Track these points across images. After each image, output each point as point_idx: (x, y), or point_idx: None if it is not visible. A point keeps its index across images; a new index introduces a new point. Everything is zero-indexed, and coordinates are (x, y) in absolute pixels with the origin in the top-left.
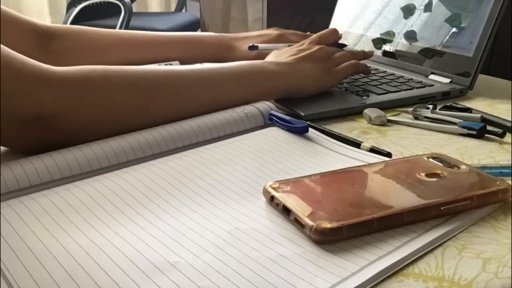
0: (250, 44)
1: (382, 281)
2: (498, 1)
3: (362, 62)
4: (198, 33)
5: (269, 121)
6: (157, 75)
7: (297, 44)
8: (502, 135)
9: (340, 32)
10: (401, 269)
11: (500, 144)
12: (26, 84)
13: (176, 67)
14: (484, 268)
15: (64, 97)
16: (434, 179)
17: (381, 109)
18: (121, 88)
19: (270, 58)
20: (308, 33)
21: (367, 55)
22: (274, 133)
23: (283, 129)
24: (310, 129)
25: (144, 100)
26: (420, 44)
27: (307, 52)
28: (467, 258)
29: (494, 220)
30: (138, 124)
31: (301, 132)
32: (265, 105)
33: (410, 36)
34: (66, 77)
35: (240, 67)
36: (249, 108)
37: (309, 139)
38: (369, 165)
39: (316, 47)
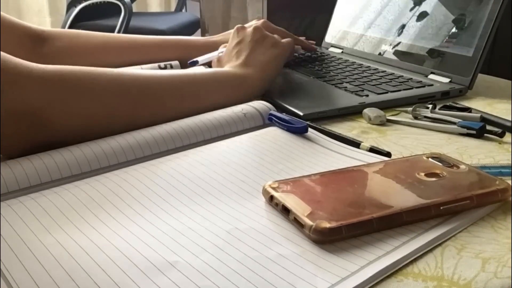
0: (190, 61)
1: (382, 280)
2: (497, 1)
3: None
4: (190, 37)
5: (269, 121)
6: (143, 78)
7: (231, 40)
8: (501, 135)
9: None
10: (400, 269)
11: (500, 143)
12: (10, 81)
13: (160, 71)
14: (484, 268)
15: (48, 93)
16: (434, 179)
17: (381, 108)
18: (108, 87)
19: (221, 65)
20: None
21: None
22: (273, 133)
23: (283, 129)
24: (309, 129)
25: (131, 100)
26: (420, 44)
27: (249, 40)
28: (466, 258)
29: (493, 220)
30: (128, 124)
31: (300, 132)
32: (264, 106)
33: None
34: (50, 74)
35: (215, 74)
36: (247, 109)
37: (308, 139)
38: (369, 165)
39: (251, 30)
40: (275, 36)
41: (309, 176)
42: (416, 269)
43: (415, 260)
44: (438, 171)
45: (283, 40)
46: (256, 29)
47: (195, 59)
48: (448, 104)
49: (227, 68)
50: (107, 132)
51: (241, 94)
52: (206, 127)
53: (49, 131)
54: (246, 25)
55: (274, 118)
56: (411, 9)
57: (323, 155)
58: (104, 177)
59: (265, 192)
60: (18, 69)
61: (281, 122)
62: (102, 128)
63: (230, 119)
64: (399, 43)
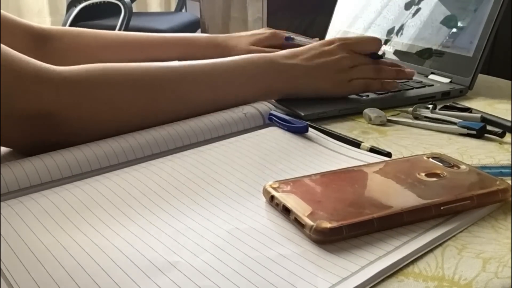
0: (287, 35)
1: (382, 280)
2: (498, 1)
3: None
4: (193, 34)
5: (269, 121)
6: (158, 72)
7: (323, 43)
8: (502, 135)
9: (381, 42)
10: (401, 269)
11: (500, 144)
12: (28, 83)
13: (176, 63)
14: (484, 268)
15: (66, 96)
16: (434, 179)
17: (381, 109)
18: (122, 85)
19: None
20: (317, 38)
21: (406, 74)
22: (274, 133)
23: (283, 129)
24: (310, 129)
25: (145, 98)
26: (420, 44)
27: (331, 58)
28: (467, 258)
29: (494, 220)
30: (139, 123)
31: (301, 132)
32: (264, 106)
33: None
34: (67, 76)
35: (244, 60)
36: (248, 109)
37: (309, 139)
38: (369, 165)
39: (342, 55)
40: (356, 75)
41: (309, 176)
42: (416, 269)
43: (416, 260)
44: (438, 171)
45: (354, 82)
46: (350, 57)
47: (291, 35)
48: (448, 104)
49: (273, 54)
50: (118, 132)
51: (266, 83)
52: (206, 127)
53: (62, 133)
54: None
55: (274, 118)
56: (411, 9)
57: (324, 155)
58: (104, 177)
59: (265, 192)
60: (37, 70)
61: (281, 122)
62: (113, 129)
63: (231, 119)
64: (399, 43)
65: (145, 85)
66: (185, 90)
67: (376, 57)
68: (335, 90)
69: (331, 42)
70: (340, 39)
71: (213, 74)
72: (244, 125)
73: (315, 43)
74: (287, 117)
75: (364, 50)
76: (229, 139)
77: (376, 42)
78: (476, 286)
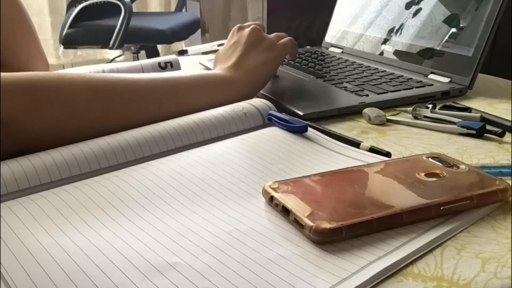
0: (179, 50)
1: (382, 281)
2: (497, 1)
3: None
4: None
5: (268, 121)
6: (114, 81)
7: (228, 39)
8: (501, 135)
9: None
10: (400, 269)
11: (500, 143)
12: None
13: (133, 75)
14: (483, 268)
15: (20, 102)
16: (434, 179)
17: (381, 108)
18: (79, 88)
19: (217, 64)
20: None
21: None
22: (273, 133)
23: (282, 128)
24: (309, 128)
25: (102, 102)
26: (420, 44)
27: (244, 41)
28: (466, 258)
29: (493, 220)
30: (100, 128)
31: (300, 131)
32: (264, 104)
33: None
34: (20, 82)
35: (198, 77)
36: (248, 108)
37: (308, 138)
38: (369, 165)
39: (248, 31)
40: (272, 38)
41: (309, 176)
42: (416, 269)
43: (415, 260)
44: (438, 171)
45: (279, 42)
46: (253, 30)
47: (185, 49)
48: (448, 104)
49: (217, 70)
50: (79, 137)
51: (227, 98)
52: (205, 126)
53: (22, 140)
54: (245, 24)
55: (273, 118)
56: (411, 9)
57: (323, 155)
58: (103, 178)
59: (265, 192)
60: None
61: (280, 122)
62: (73, 134)
63: (230, 118)
64: (399, 42)
65: (100, 90)
66: (140, 99)
67: None
68: (274, 58)
69: (232, 35)
70: (235, 29)
71: (174, 88)
72: (244, 125)
73: (222, 41)
74: (286, 117)
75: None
76: (228, 139)
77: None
78: (475, 286)
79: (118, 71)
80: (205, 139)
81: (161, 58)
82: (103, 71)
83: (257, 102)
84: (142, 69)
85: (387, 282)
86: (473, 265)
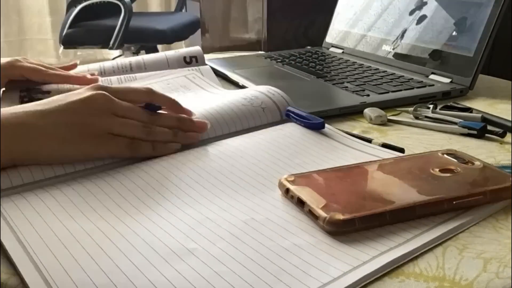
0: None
1: (383, 281)
2: (498, 2)
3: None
4: None
5: (286, 116)
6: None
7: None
8: (502, 135)
9: (154, 92)
10: (402, 269)
11: (501, 144)
12: None
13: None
14: (485, 268)
15: None
16: (448, 174)
17: (382, 108)
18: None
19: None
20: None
21: (193, 127)
22: (291, 128)
23: (300, 125)
24: (326, 125)
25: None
26: (421, 45)
27: (78, 98)
28: (468, 258)
29: (495, 220)
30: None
31: (317, 128)
32: (283, 99)
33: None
34: None
35: None
36: (266, 102)
37: (325, 135)
38: (383, 160)
39: (94, 92)
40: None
41: (324, 170)
42: (417, 269)
43: (417, 260)
44: (452, 167)
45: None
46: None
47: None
48: (449, 104)
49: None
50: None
51: None
52: (224, 122)
53: None
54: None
55: (291, 114)
56: (412, 12)
57: (339, 150)
58: (127, 169)
59: (281, 185)
60: None
61: (298, 118)
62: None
63: (249, 114)
64: (400, 43)
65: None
66: None
67: (153, 108)
68: (83, 148)
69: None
70: (99, 86)
71: None
72: (262, 120)
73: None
74: (304, 113)
75: (133, 99)
76: (247, 134)
77: (149, 92)
78: (477, 287)
79: (144, 63)
80: (224, 134)
81: (187, 51)
82: (104, 70)
83: (276, 96)
84: (168, 62)
85: (388, 282)
86: (475, 265)
